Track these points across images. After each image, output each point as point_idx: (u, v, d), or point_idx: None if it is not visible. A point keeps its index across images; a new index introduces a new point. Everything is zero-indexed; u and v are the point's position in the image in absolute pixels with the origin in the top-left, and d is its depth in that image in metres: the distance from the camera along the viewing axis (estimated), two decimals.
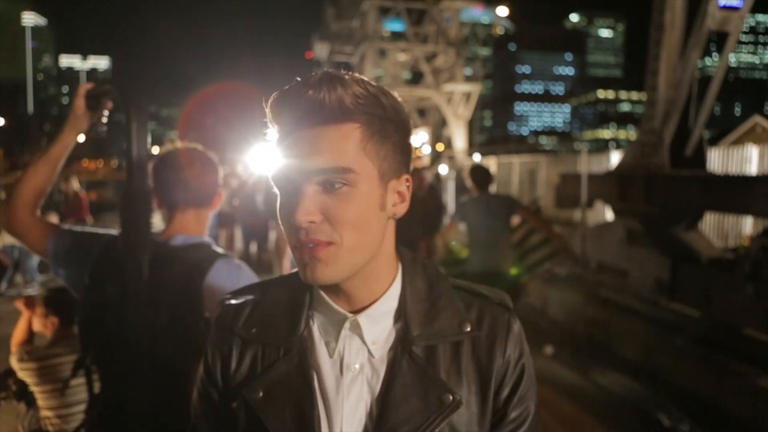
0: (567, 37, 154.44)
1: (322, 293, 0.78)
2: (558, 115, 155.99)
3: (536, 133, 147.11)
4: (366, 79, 0.74)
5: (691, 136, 5.94)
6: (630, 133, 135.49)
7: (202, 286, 1.40)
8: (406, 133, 0.77)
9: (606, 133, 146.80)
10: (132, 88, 1.35)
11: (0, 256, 7.37)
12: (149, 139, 1.39)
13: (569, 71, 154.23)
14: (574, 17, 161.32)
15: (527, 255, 7.35)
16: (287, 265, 6.94)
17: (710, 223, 8.66)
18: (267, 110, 0.74)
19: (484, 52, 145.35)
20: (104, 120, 1.57)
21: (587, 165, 7.96)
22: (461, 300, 0.81)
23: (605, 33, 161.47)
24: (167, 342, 1.36)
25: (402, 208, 0.78)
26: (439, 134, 24.43)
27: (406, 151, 0.77)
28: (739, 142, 13.82)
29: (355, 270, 0.73)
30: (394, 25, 25.99)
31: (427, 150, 20.70)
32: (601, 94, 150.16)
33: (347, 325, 0.77)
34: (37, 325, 2.59)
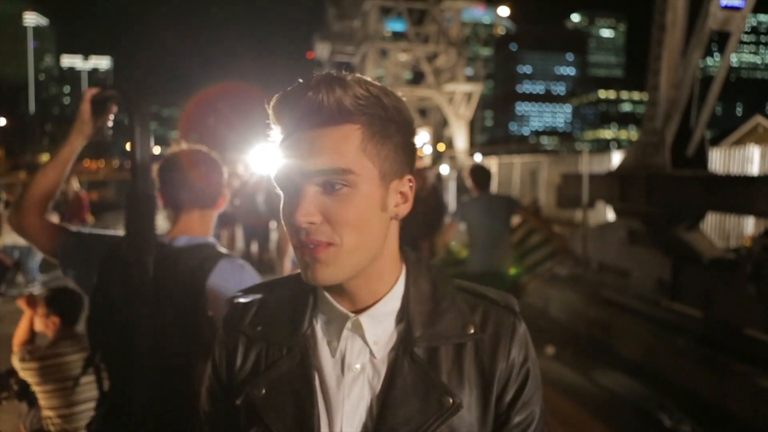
0: (568, 37, 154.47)
1: (326, 293, 0.78)
2: (559, 115, 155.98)
3: (537, 133, 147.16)
4: (369, 79, 0.74)
5: (693, 136, 5.94)
6: (631, 134, 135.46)
7: (206, 286, 1.41)
8: (409, 134, 0.77)
9: (607, 134, 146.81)
10: (135, 93, 1.37)
11: (0, 255, 7.38)
12: (152, 143, 1.41)
13: (570, 71, 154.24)
14: (575, 17, 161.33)
15: (527, 255, 7.34)
16: (288, 265, 6.93)
17: (712, 223, 8.65)
18: (269, 112, 0.75)
19: (486, 52, 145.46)
20: (110, 124, 1.61)
21: (588, 165, 7.95)
22: (465, 302, 0.80)
23: (606, 33, 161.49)
24: (172, 340, 1.38)
25: (405, 209, 0.77)
26: (440, 134, 24.44)
27: (408, 151, 0.77)
28: (741, 142, 13.81)
29: (356, 271, 0.73)
30: (396, 25, 25.99)
31: (428, 150, 20.70)
32: (603, 94, 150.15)
33: (348, 325, 0.77)
34: (39, 325, 2.59)
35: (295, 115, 0.72)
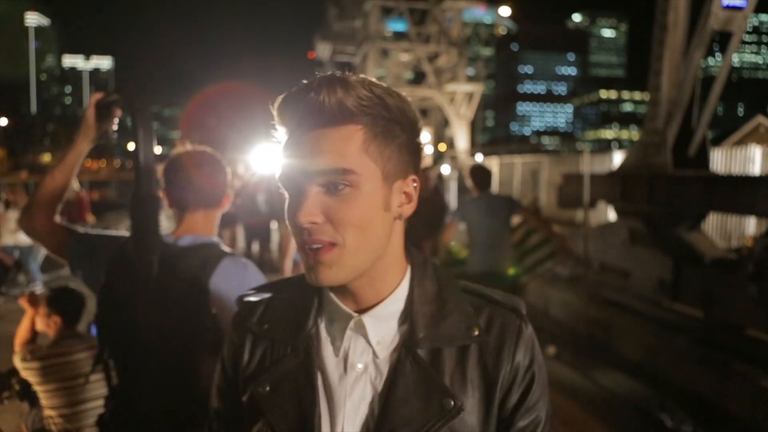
0: (569, 37, 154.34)
1: (330, 293, 0.79)
2: (560, 115, 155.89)
3: (538, 133, 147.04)
4: (374, 80, 0.74)
5: (694, 136, 5.93)
6: (632, 134, 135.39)
7: (209, 284, 1.45)
8: (414, 134, 0.77)
9: (608, 134, 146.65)
10: (139, 97, 1.41)
11: (1, 255, 7.39)
12: (155, 144, 1.45)
13: (572, 71, 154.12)
14: (576, 17, 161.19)
15: (527, 255, 7.34)
16: (289, 265, 6.95)
17: (713, 223, 8.64)
18: (273, 112, 0.76)
19: (487, 52, 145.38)
20: (114, 127, 1.66)
21: (590, 165, 7.95)
22: (471, 304, 0.80)
23: (608, 33, 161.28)
24: (177, 336, 1.42)
25: (409, 209, 0.78)
26: (441, 134, 24.43)
27: (413, 152, 0.77)
28: (743, 142, 13.80)
29: (359, 271, 0.74)
30: (397, 25, 25.97)
31: (429, 150, 20.70)
32: (604, 94, 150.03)
33: (351, 324, 0.77)
34: (40, 325, 2.60)
35: (297, 116, 0.73)
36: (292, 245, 6.75)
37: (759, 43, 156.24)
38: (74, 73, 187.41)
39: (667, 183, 5.76)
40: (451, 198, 13.26)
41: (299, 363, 0.78)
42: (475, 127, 26.26)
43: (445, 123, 24.04)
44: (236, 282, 1.45)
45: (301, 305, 0.82)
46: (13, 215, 7.47)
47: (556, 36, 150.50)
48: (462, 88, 22.36)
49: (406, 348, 0.76)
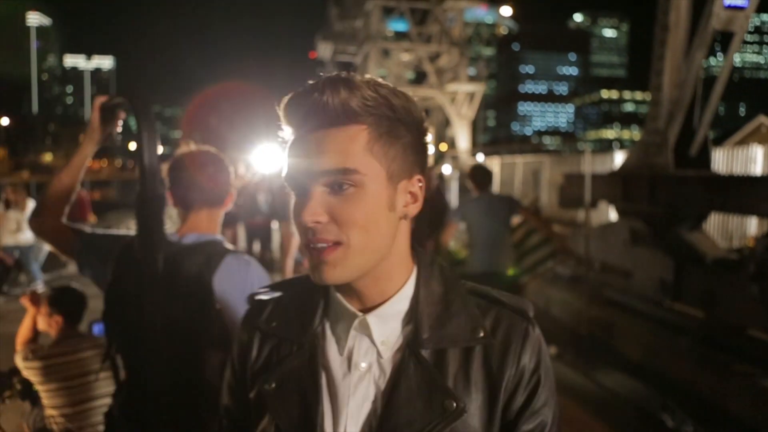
0: (571, 37, 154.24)
1: (336, 292, 0.79)
2: (561, 115, 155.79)
3: (540, 133, 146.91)
4: (380, 80, 0.75)
5: (696, 136, 5.92)
6: (634, 134, 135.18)
7: (213, 281, 1.49)
8: (420, 134, 0.77)
9: (610, 134, 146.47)
10: (142, 99, 1.44)
11: (1, 255, 7.39)
12: (159, 145, 1.47)
13: (573, 71, 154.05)
14: (578, 17, 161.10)
15: (527, 255, 7.34)
16: (291, 264, 6.94)
17: (715, 223, 8.64)
18: (279, 112, 0.77)
19: (488, 52, 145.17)
20: (119, 129, 1.69)
21: (591, 165, 7.94)
22: (477, 306, 0.79)
23: (609, 33, 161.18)
24: (182, 331, 1.46)
25: (414, 209, 0.78)
26: (442, 134, 24.44)
27: (418, 151, 0.77)
28: (744, 142, 13.77)
29: (364, 271, 0.74)
30: (398, 25, 25.97)
31: (430, 150, 20.67)
32: (605, 94, 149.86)
33: (356, 324, 0.77)
34: (42, 324, 2.60)
35: (302, 116, 0.73)
36: (294, 244, 6.76)
37: (761, 43, 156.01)
38: (76, 73, 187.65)
39: (668, 183, 5.75)
40: (453, 198, 13.26)
41: (304, 361, 0.79)
42: (476, 127, 26.26)
43: (446, 123, 24.05)
44: (239, 279, 1.49)
45: (309, 304, 0.82)
46: (14, 215, 7.46)
47: (557, 36, 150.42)
48: (463, 88, 22.36)
49: (410, 348, 0.76)
